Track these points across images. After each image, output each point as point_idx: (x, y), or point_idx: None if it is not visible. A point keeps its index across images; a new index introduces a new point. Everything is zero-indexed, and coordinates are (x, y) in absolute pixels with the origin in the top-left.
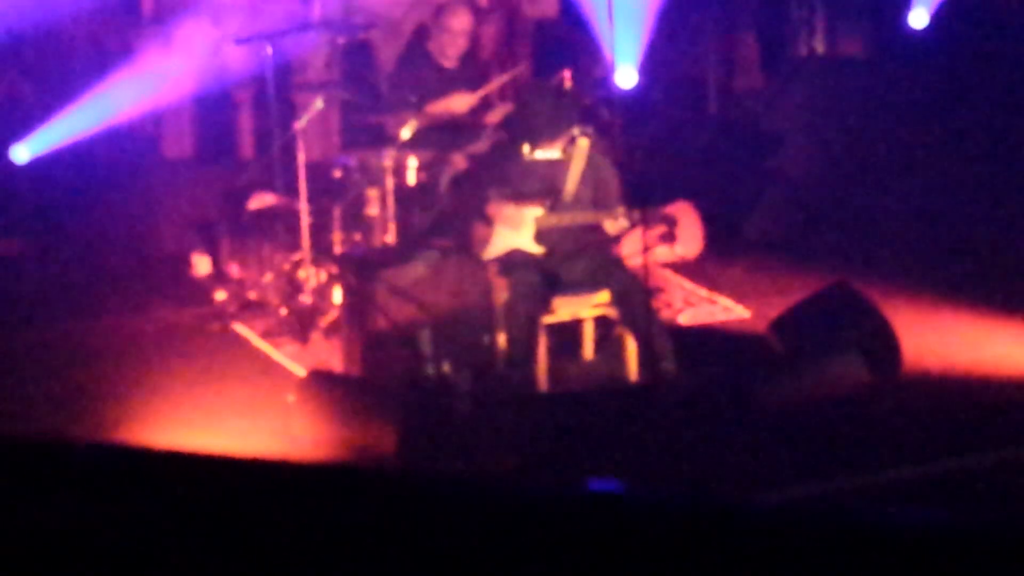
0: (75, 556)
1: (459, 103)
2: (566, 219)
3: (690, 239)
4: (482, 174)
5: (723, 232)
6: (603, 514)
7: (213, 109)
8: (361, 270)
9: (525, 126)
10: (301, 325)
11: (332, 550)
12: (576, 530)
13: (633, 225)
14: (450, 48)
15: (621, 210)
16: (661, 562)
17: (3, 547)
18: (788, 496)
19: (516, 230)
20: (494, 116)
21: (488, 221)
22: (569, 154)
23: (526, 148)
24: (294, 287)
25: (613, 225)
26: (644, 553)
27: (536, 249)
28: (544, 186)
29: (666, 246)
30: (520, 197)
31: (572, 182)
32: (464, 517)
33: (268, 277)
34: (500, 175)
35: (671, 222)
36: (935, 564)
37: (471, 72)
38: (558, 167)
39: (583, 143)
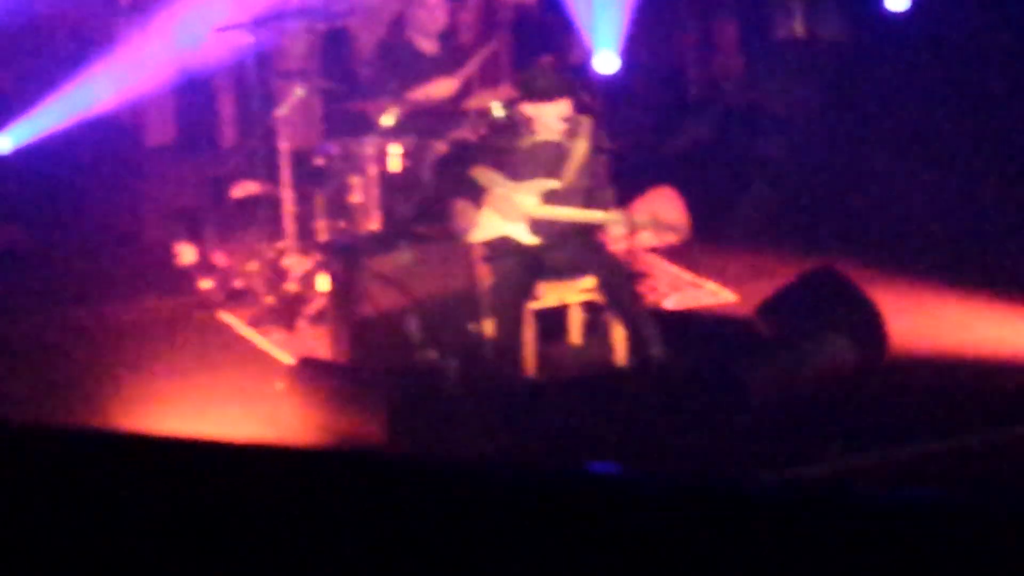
0: (60, 541)
1: (440, 89)
2: (562, 215)
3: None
4: (477, 156)
5: (708, 218)
6: (603, 496)
7: (194, 97)
8: (346, 258)
9: (525, 87)
10: (287, 313)
11: (324, 535)
12: (575, 511)
13: (632, 231)
14: (429, 23)
15: (621, 215)
16: (657, 543)
17: None
18: (777, 478)
19: (509, 217)
20: (476, 102)
21: (477, 203)
22: (570, 140)
23: (525, 129)
24: (279, 275)
25: (611, 228)
26: (640, 534)
27: (530, 239)
28: (542, 173)
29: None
30: (517, 183)
31: (570, 172)
32: (465, 500)
33: (253, 265)
34: (498, 158)
35: (679, 231)
36: (921, 542)
37: (450, 58)
38: (558, 153)
39: (584, 130)
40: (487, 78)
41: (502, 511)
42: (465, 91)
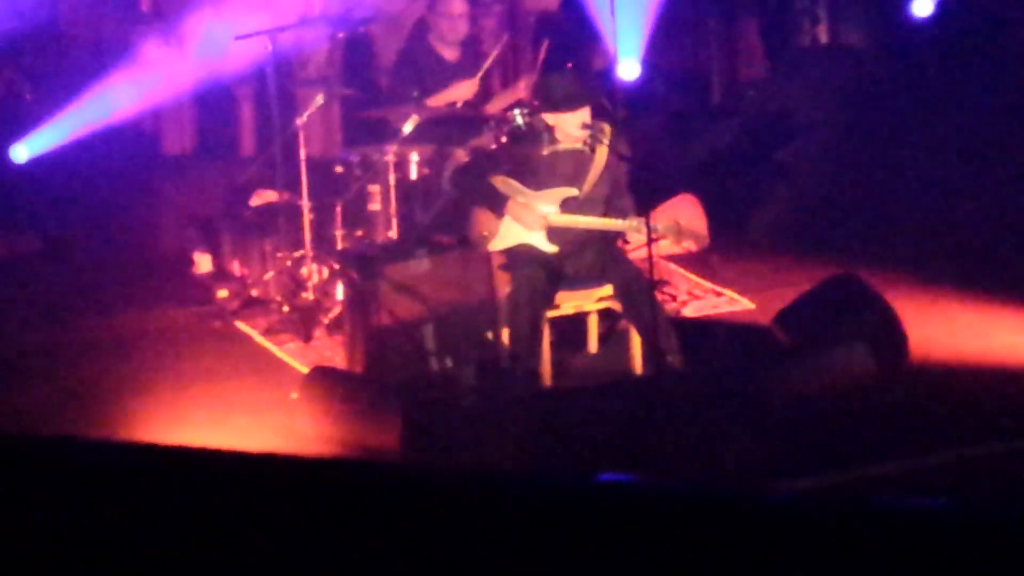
0: (78, 552)
1: (461, 91)
2: (581, 222)
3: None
4: (497, 165)
5: (728, 225)
6: (613, 506)
7: (213, 105)
8: (363, 266)
9: (545, 95)
10: (304, 322)
11: (338, 545)
12: (586, 522)
13: (652, 239)
14: (450, 34)
15: (640, 221)
16: (671, 553)
17: (5, 544)
18: (795, 487)
19: (528, 226)
20: (496, 106)
21: (497, 212)
22: (591, 148)
23: (546, 137)
24: (296, 284)
25: (631, 236)
26: (655, 543)
27: (550, 248)
28: (562, 181)
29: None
30: (537, 191)
31: (591, 180)
32: (476, 511)
33: (270, 274)
34: (518, 166)
35: (700, 239)
36: (940, 552)
37: (472, 65)
38: (579, 161)
39: (605, 138)
40: (508, 80)
41: (513, 522)
42: (485, 96)
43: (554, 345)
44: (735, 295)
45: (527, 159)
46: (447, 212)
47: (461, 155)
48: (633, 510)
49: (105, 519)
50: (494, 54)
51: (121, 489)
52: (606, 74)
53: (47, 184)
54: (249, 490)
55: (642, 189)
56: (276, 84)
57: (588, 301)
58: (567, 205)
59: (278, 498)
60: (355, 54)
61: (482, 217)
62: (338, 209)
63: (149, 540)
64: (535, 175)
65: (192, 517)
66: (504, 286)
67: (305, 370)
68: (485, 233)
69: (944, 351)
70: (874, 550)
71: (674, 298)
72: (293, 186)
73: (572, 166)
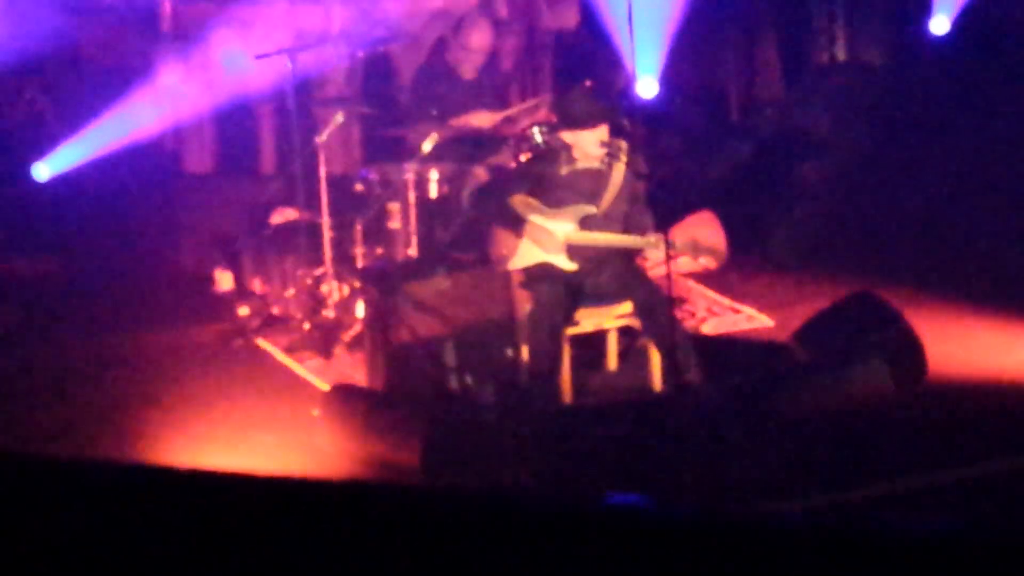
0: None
1: (481, 120)
2: (600, 240)
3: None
4: (516, 183)
5: (747, 243)
6: (623, 528)
7: (234, 124)
8: (384, 284)
9: (563, 114)
10: (324, 340)
11: (356, 565)
12: (597, 544)
13: (671, 256)
14: (467, 63)
15: (658, 238)
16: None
17: (26, 565)
18: (813, 505)
19: (547, 245)
20: (517, 127)
21: (517, 231)
22: (609, 165)
23: (564, 156)
24: (317, 302)
25: (650, 253)
26: (664, 567)
27: (569, 266)
28: (581, 199)
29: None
30: (556, 210)
31: (609, 197)
32: (486, 532)
33: (291, 292)
34: (537, 185)
35: (718, 256)
36: (961, 573)
37: (491, 84)
38: (597, 179)
39: (622, 155)
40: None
41: (522, 544)
42: (506, 120)
43: (574, 362)
44: (754, 312)
45: (545, 177)
46: (467, 230)
47: (480, 173)
48: (644, 532)
49: (120, 542)
50: (525, 104)
51: (136, 512)
52: (624, 92)
53: (69, 203)
54: (266, 513)
55: (660, 206)
56: (296, 103)
57: (607, 318)
58: (586, 223)
59: (295, 521)
60: (375, 73)
61: (502, 236)
62: (358, 227)
63: (163, 564)
64: (553, 193)
65: (208, 542)
66: (524, 304)
67: (326, 387)
68: (505, 252)
69: (963, 368)
70: (890, 571)
71: (693, 315)
72: (313, 204)
73: (590, 184)
